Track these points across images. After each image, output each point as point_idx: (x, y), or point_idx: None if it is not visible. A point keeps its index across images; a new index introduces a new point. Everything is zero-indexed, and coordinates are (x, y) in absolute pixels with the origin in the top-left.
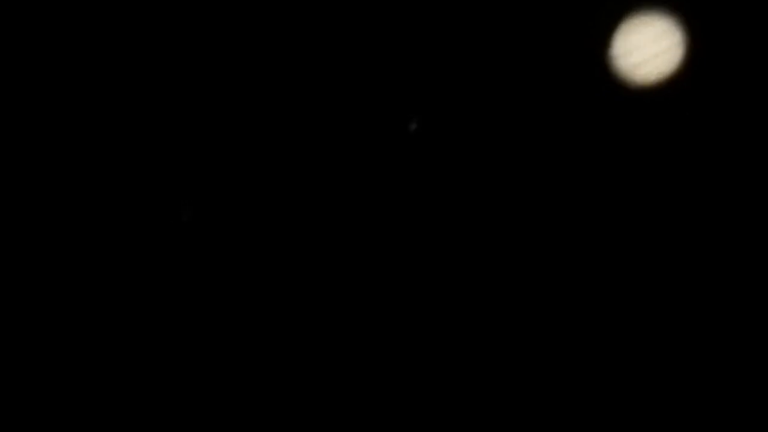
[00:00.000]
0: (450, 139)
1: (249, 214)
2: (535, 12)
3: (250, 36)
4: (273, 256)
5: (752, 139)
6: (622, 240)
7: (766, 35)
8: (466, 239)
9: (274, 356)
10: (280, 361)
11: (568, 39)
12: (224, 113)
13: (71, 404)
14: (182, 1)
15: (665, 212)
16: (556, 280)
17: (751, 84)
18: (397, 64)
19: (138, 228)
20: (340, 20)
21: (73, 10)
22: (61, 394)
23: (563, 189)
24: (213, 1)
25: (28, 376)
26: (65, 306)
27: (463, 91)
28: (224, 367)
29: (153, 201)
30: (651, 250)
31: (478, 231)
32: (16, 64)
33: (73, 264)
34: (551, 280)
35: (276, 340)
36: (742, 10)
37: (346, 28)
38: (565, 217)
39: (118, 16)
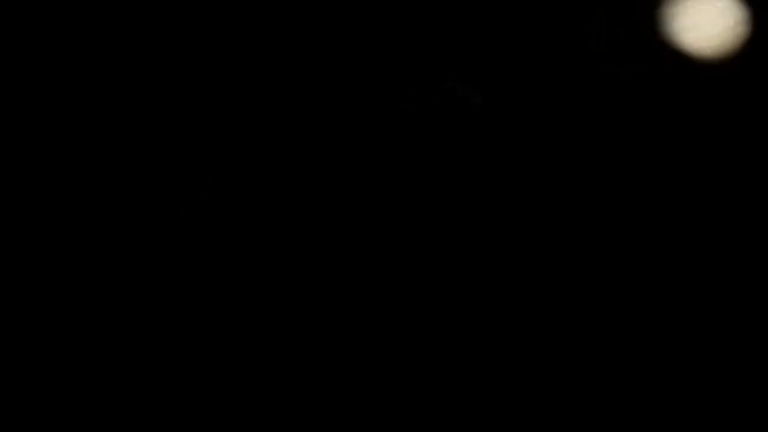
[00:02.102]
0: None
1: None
2: None
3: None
4: (277, 252)
5: None
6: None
7: None
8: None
9: (274, 356)
10: (280, 361)
11: (628, 13)
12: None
13: (71, 404)
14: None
15: (718, 190)
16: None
17: None
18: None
19: (138, 227)
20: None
21: (73, 10)
22: (61, 394)
23: (616, 167)
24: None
25: (28, 376)
26: (65, 305)
27: (513, 61)
28: (224, 367)
29: (153, 200)
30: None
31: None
32: (16, 64)
33: (74, 263)
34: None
35: (276, 340)
36: None
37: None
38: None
39: (118, 16)
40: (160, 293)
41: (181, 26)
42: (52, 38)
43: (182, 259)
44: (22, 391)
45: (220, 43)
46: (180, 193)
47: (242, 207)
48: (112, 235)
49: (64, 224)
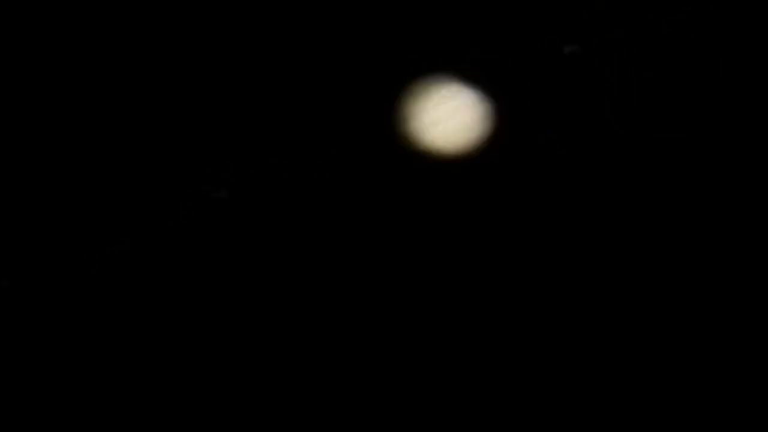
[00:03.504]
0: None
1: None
2: (345, 91)
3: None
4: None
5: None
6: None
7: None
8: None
9: (274, 356)
10: (280, 361)
11: (371, 112)
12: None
13: (71, 404)
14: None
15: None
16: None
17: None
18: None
19: (139, 226)
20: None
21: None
22: (61, 394)
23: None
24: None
25: (28, 376)
26: (66, 304)
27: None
28: (224, 367)
29: (154, 200)
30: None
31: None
32: (16, 64)
33: (75, 262)
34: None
35: (276, 340)
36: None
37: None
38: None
39: (118, 16)
40: (161, 292)
41: (182, 27)
42: (52, 38)
43: (183, 258)
44: (22, 391)
45: (222, 44)
46: (181, 193)
47: (243, 207)
48: (113, 234)
49: (66, 224)
